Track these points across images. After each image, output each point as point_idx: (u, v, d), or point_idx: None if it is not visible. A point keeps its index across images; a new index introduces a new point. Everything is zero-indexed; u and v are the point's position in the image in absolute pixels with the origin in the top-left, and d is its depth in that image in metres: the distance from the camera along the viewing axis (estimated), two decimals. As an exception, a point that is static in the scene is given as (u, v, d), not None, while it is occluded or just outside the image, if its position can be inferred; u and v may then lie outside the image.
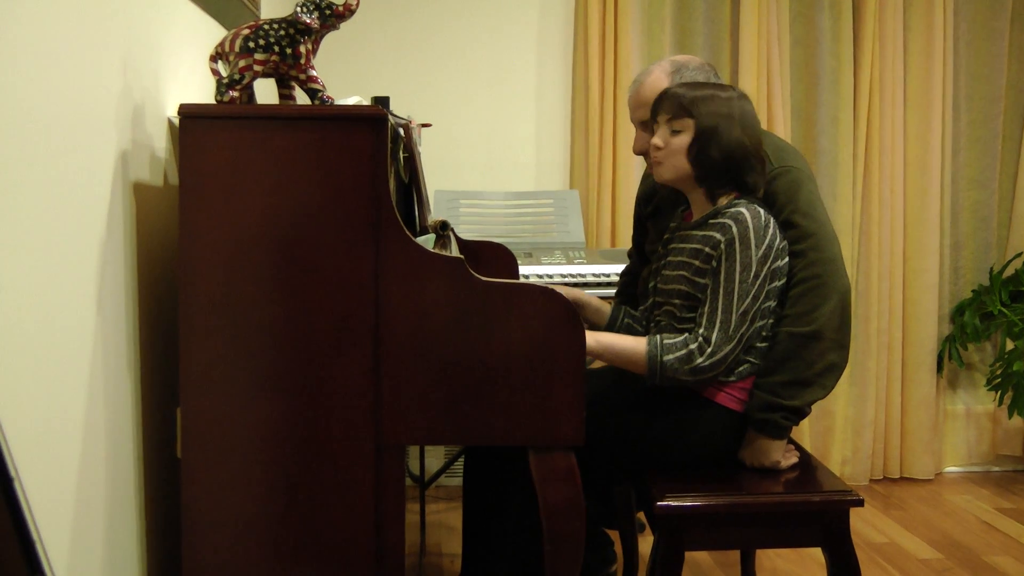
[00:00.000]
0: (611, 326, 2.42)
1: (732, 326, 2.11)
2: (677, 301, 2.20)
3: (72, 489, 1.60)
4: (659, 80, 2.41)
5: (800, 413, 2.18)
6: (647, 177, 2.69)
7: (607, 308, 2.46)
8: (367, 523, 1.87)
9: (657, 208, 2.57)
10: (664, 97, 2.23)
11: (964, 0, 4.13)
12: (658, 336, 2.15)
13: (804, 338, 2.16)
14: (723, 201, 2.20)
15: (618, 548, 2.89)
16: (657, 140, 2.21)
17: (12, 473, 0.60)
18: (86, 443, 1.65)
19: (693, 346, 2.12)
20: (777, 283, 2.18)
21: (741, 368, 2.19)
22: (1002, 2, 4.14)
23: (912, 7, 4.05)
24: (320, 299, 1.82)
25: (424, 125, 2.77)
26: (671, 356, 2.11)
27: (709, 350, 2.11)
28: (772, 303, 2.18)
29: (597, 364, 2.50)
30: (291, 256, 1.82)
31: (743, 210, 2.15)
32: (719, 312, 2.12)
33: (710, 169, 2.18)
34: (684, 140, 2.18)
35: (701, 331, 2.13)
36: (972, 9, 4.15)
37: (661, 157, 2.21)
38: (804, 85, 4.07)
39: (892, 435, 4.17)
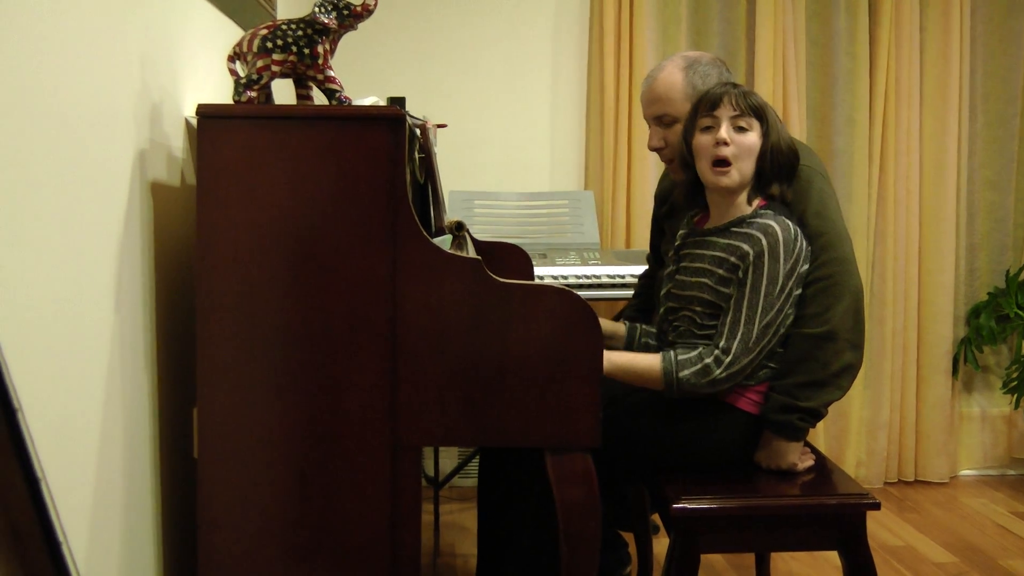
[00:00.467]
0: (628, 347, 2.39)
1: (753, 339, 2.10)
2: (698, 308, 2.18)
3: (90, 488, 1.60)
4: (672, 75, 2.40)
5: (816, 414, 2.17)
6: (664, 177, 2.68)
7: (622, 330, 2.43)
8: (383, 524, 1.87)
9: (672, 209, 2.56)
10: (723, 93, 2.16)
11: (981, 0, 4.11)
12: (672, 352, 2.13)
13: (818, 339, 2.14)
14: (749, 208, 2.19)
15: (632, 550, 2.88)
16: (724, 134, 2.12)
17: (39, 474, 0.60)
18: (103, 443, 1.65)
19: (709, 359, 2.10)
20: (798, 291, 2.16)
21: (761, 372, 2.17)
22: (1019, 2, 4.12)
23: (929, 7, 4.04)
24: (337, 299, 1.82)
25: (440, 126, 2.76)
26: (686, 371, 2.10)
27: (727, 360, 2.09)
28: (793, 312, 2.16)
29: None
30: (308, 256, 1.82)
31: (772, 223, 2.12)
32: (741, 324, 2.10)
33: (773, 172, 2.17)
34: (754, 140, 2.15)
35: (722, 342, 2.11)
36: (989, 9, 4.13)
37: (731, 155, 2.13)
38: (820, 85, 4.05)
39: (907, 438, 4.15)
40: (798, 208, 2.22)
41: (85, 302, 1.57)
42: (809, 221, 2.20)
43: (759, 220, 2.13)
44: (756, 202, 2.19)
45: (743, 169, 2.15)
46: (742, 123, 2.14)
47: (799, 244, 2.13)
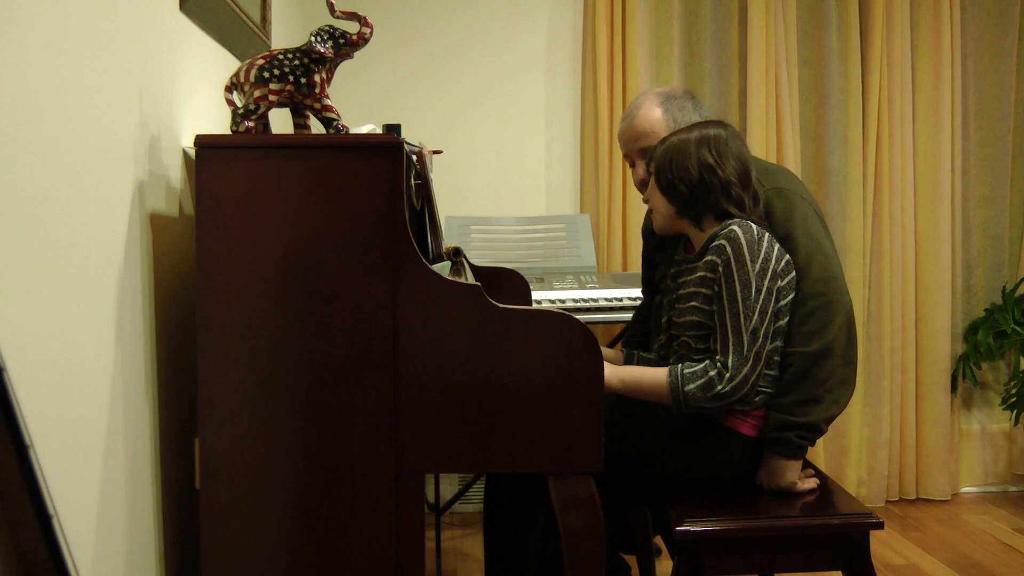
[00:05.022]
0: None
1: (745, 347, 2.10)
2: (691, 332, 2.20)
3: (92, 520, 1.59)
4: (652, 111, 2.45)
5: (815, 430, 2.16)
6: (649, 213, 2.69)
7: (620, 357, 2.45)
8: (387, 553, 1.86)
9: (662, 240, 2.58)
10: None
11: (971, 18, 4.14)
12: (678, 366, 2.14)
13: (815, 356, 2.16)
14: (713, 228, 2.21)
15: (634, 573, 2.87)
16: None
17: (51, 510, 0.60)
18: (105, 474, 1.64)
19: (712, 373, 2.10)
20: (784, 301, 2.17)
21: (757, 398, 2.18)
22: (1010, 20, 4.15)
23: (920, 26, 4.07)
24: (338, 328, 1.82)
25: (436, 152, 2.77)
26: (692, 385, 2.10)
27: (728, 375, 2.10)
28: (784, 321, 2.18)
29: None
30: (308, 285, 1.82)
31: (734, 227, 2.15)
32: (730, 335, 2.11)
33: (681, 199, 2.21)
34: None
35: (718, 357, 2.12)
36: (980, 27, 4.16)
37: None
38: (813, 105, 4.07)
39: (907, 455, 4.15)
40: (784, 229, 2.24)
41: (86, 334, 1.57)
42: (799, 240, 2.23)
43: (724, 230, 2.16)
44: (717, 223, 2.22)
45: (655, 206, 2.28)
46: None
47: (765, 245, 2.14)
